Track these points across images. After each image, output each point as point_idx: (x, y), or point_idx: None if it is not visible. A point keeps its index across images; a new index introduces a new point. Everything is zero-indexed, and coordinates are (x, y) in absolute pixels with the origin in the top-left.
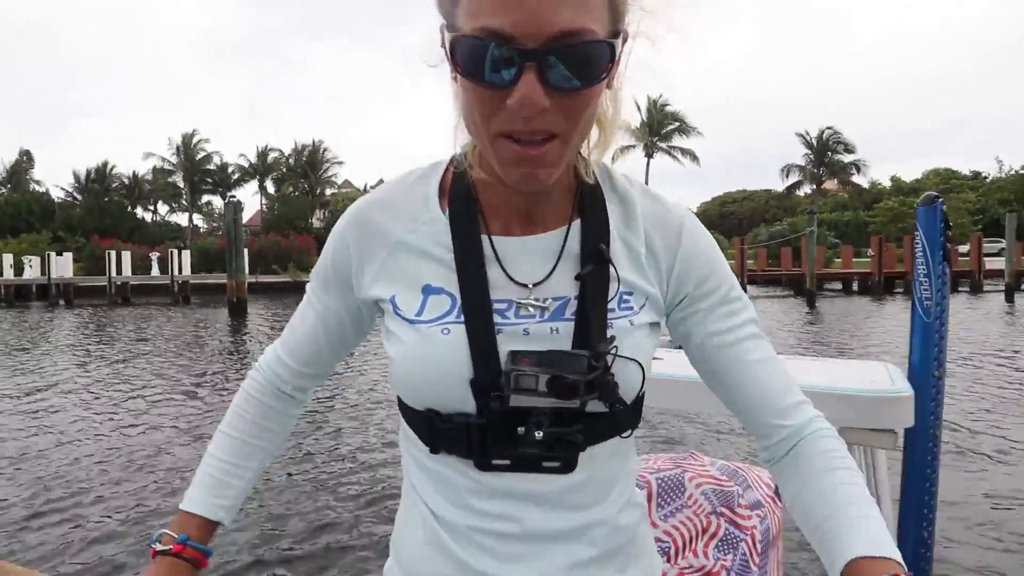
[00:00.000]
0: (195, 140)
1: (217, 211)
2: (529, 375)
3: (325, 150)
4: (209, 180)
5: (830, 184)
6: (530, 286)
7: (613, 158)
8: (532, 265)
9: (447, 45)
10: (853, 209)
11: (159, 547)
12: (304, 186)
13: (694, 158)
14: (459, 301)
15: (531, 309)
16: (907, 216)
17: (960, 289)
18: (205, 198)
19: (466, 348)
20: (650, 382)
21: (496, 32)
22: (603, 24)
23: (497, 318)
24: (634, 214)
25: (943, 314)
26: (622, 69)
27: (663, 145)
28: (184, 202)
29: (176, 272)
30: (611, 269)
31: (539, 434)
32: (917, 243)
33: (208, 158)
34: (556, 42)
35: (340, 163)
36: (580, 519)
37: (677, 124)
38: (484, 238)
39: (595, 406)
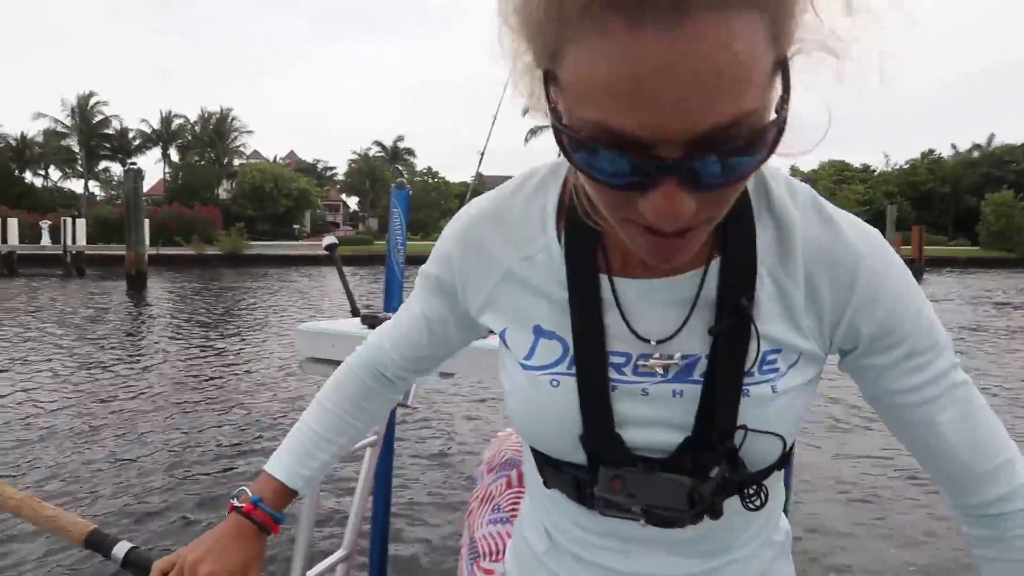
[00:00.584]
0: (92, 102)
1: (116, 178)
2: (621, 503)
3: (233, 119)
4: (107, 145)
5: None
6: (653, 343)
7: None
8: (657, 315)
9: (552, 127)
10: None
11: (235, 503)
12: (211, 155)
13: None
14: (571, 350)
15: (655, 368)
16: None
17: None
18: (103, 164)
19: (576, 404)
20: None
21: (618, 135)
22: (767, 86)
23: (612, 373)
24: (792, 245)
25: None
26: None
27: None
28: (79, 168)
29: (70, 242)
30: (753, 327)
31: (642, 522)
32: None
33: (106, 122)
34: (704, 143)
35: (249, 132)
36: (704, 565)
37: None
38: (603, 278)
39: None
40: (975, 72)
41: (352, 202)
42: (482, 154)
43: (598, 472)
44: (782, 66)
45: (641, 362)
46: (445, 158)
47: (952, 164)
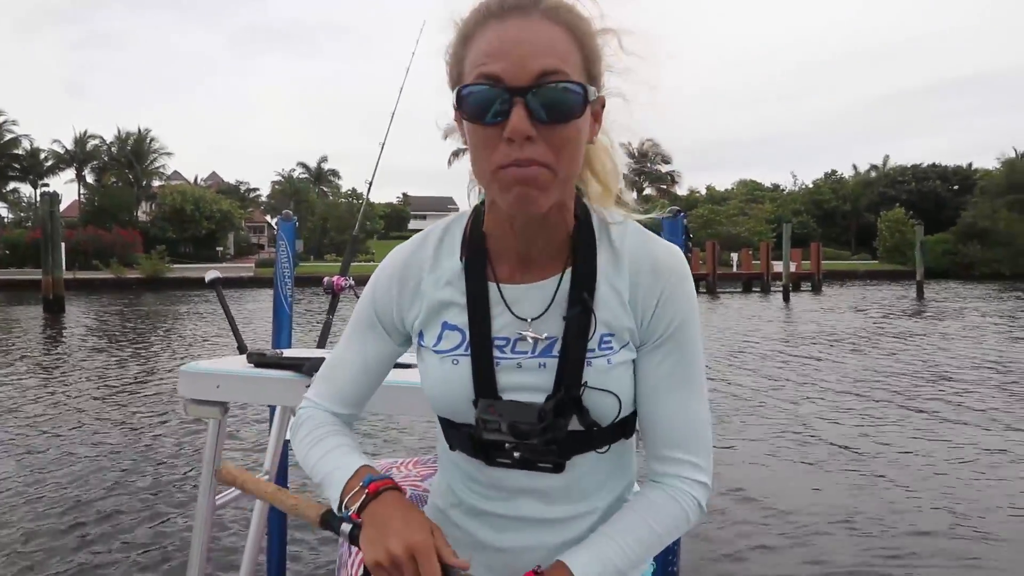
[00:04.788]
0: None
1: (26, 200)
2: (493, 421)
3: (152, 139)
4: (16, 166)
5: (650, 191)
6: (529, 320)
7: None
8: (531, 305)
9: (455, 99)
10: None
11: (375, 486)
12: (129, 177)
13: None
14: (467, 337)
15: (529, 340)
16: (716, 223)
17: (753, 290)
18: (11, 185)
19: (470, 376)
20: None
21: (490, 75)
22: (577, 74)
23: (496, 352)
24: (622, 262)
25: None
26: (607, 126)
27: None
28: None
29: None
30: (592, 315)
31: (516, 454)
32: None
33: (15, 142)
34: (538, 80)
35: (169, 154)
36: (570, 510)
37: None
38: (492, 285)
39: (576, 426)
40: (873, 97)
41: (276, 223)
42: (370, 183)
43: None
44: (587, 65)
45: (519, 342)
46: (369, 177)
47: (852, 184)
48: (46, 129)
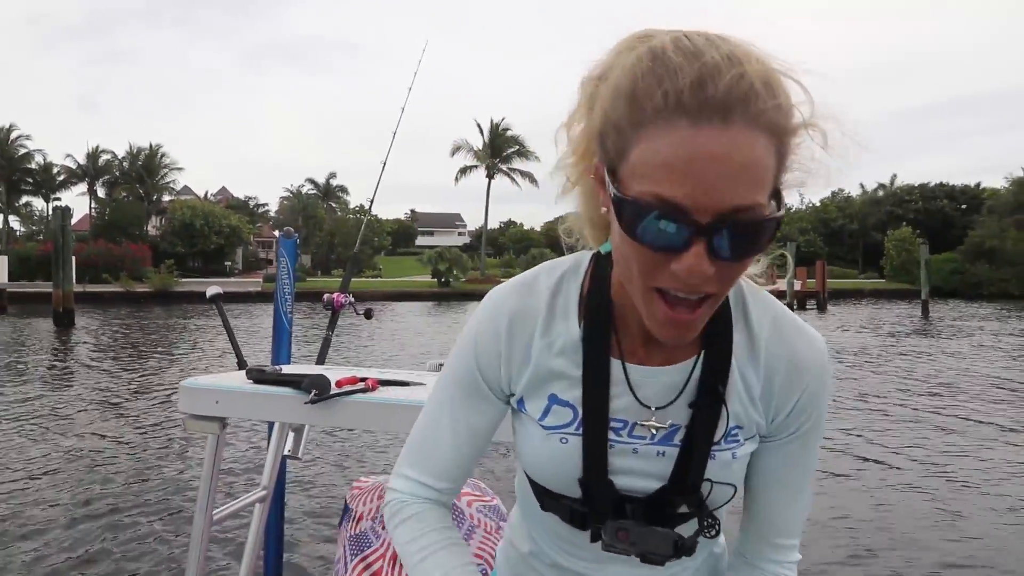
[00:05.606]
0: (13, 136)
1: (38, 214)
2: (622, 548)
3: (163, 155)
4: (30, 180)
5: None
6: (653, 409)
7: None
8: (656, 391)
9: (611, 199)
10: None
11: None
12: (139, 191)
13: (532, 180)
14: (580, 416)
15: (651, 430)
16: None
17: None
18: (24, 199)
19: (580, 457)
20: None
21: (669, 203)
22: (770, 191)
23: (611, 435)
24: (758, 350)
25: None
26: None
27: (503, 167)
28: None
29: None
30: (724, 407)
31: (632, 556)
32: None
33: (29, 156)
34: (729, 218)
35: (179, 169)
36: (659, 572)
37: (516, 148)
38: (615, 362)
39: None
40: (881, 115)
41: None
42: (371, 201)
43: (590, 504)
44: (779, 171)
45: (638, 427)
46: (377, 194)
47: (859, 202)
48: (59, 144)
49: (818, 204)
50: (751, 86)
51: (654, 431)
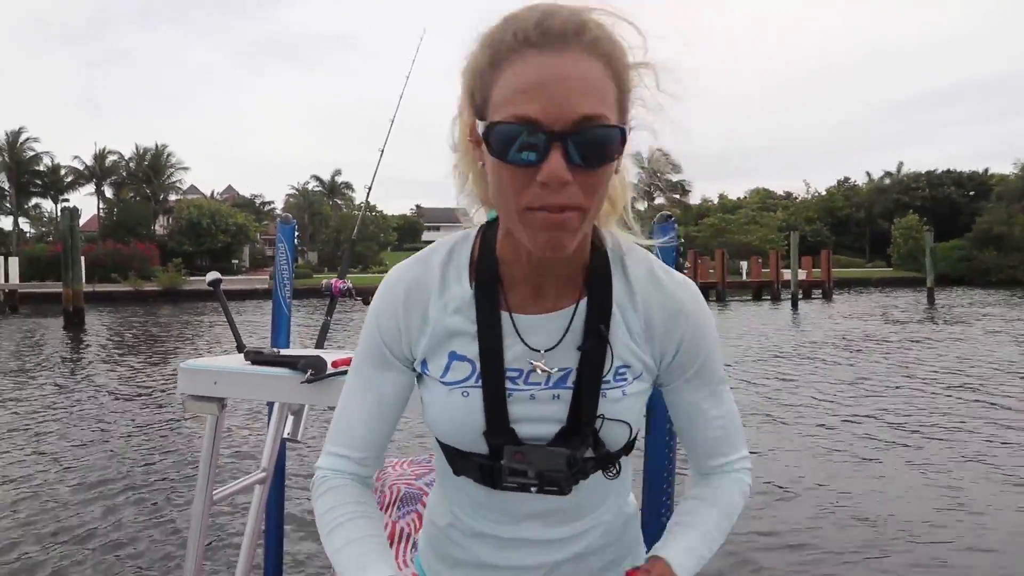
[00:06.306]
0: (22, 139)
1: (47, 215)
2: (520, 470)
3: (169, 154)
4: (39, 182)
5: (661, 200)
6: (542, 352)
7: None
8: (545, 336)
9: (482, 133)
10: (683, 223)
11: None
12: (146, 191)
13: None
14: (478, 369)
15: (540, 372)
16: (727, 232)
17: (763, 298)
18: (33, 200)
19: (481, 409)
20: None
21: (527, 118)
22: (613, 111)
23: (508, 384)
24: (636, 295)
25: None
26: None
27: None
28: (8, 205)
29: (2, 280)
30: (608, 347)
31: (534, 488)
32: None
33: (37, 159)
34: (578, 126)
35: (185, 168)
36: (572, 529)
37: None
38: (505, 314)
39: (584, 453)
40: (887, 103)
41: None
42: (369, 188)
43: (499, 456)
44: (621, 101)
45: (531, 373)
46: (382, 189)
47: (866, 191)
48: (66, 146)
49: (824, 193)
50: (585, 21)
51: (548, 375)
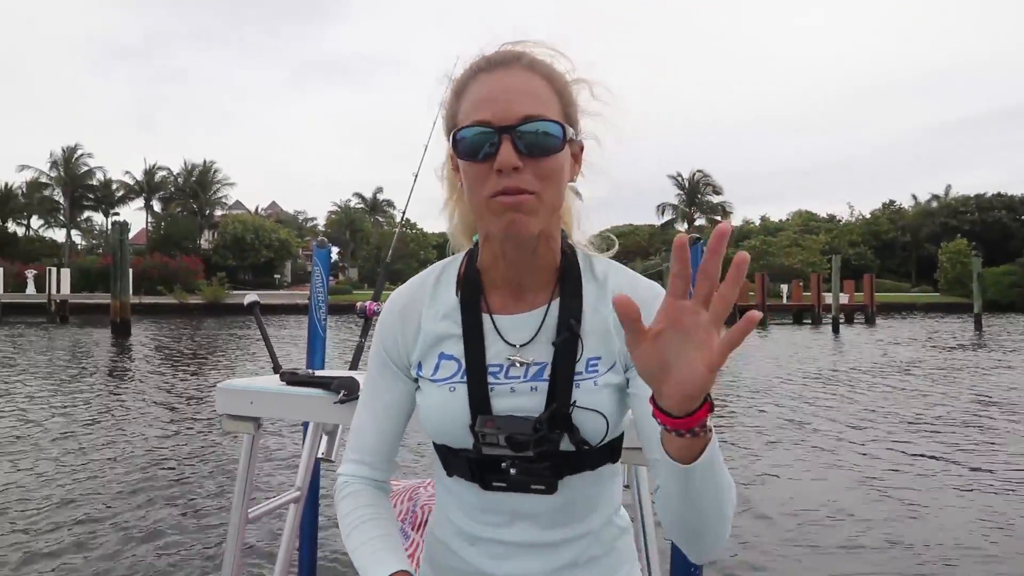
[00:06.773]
0: (77, 154)
1: (98, 228)
2: (491, 434)
3: (216, 171)
4: (91, 196)
5: (702, 221)
6: (518, 346)
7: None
8: (522, 333)
9: (451, 143)
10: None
11: None
12: (193, 206)
13: (576, 193)
14: (463, 366)
15: (518, 365)
16: (769, 254)
17: (804, 321)
18: (85, 214)
19: (466, 402)
20: None
21: (482, 121)
22: (556, 116)
23: (491, 378)
24: (605, 292)
25: None
26: (584, 169)
27: None
28: (62, 217)
29: (54, 291)
30: (579, 340)
31: (513, 471)
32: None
33: (90, 173)
34: (522, 122)
35: (231, 184)
36: (564, 534)
37: None
38: (486, 316)
39: (567, 446)
40: (934, 124)
41: (333, 252)
42: (404, 212)
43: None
44: (565, 108)
45: (511, 368)
46: (422, 207)
47: (912, 214)
48: (118, 161)
49: (868, 216)
50: (523, 51)
51: (526, 367)
